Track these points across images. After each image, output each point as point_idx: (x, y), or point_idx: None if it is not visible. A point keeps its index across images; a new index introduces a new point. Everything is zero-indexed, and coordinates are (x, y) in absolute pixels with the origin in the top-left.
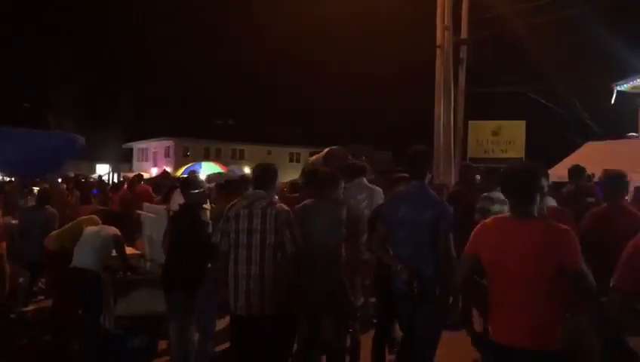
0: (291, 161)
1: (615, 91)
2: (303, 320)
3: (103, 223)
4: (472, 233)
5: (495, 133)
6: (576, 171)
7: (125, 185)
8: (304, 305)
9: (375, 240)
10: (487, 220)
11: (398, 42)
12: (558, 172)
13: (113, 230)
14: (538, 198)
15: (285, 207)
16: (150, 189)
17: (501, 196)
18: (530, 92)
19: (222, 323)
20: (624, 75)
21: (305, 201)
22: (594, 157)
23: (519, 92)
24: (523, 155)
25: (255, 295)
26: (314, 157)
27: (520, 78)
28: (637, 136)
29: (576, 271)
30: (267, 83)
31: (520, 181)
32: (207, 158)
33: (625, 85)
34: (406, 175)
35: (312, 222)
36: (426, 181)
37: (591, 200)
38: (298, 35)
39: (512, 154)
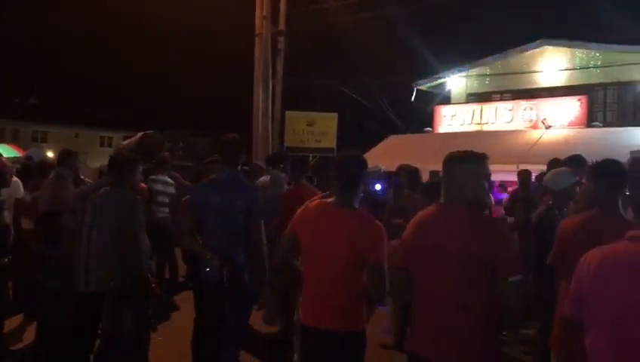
0: (102, 145)
1: (415, 90)
2: (106, 310)
3: None
4: (296, 213)
5: (310, 124)
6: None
7: None
8: (106, 294)
9: (183, 228)
10: (310, 202)
11: (218, 27)
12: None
13: None
14: (359, 188)
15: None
16: None
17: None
18: (342, 85)
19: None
20: (424, 75)
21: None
22: (395, 148)
23: (332, 84)
24: (335, 146)
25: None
26: (127, 141)
27: (333, 72)
28: (432, 131)
29: (376, 264)
30: (76, 58)
31: (344, 170)
32: (1, 141)
33: (424, 84)
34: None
35: (107, 209)
36: (239, 168)
37: None
38: (113, 13)
39: (325, 144)
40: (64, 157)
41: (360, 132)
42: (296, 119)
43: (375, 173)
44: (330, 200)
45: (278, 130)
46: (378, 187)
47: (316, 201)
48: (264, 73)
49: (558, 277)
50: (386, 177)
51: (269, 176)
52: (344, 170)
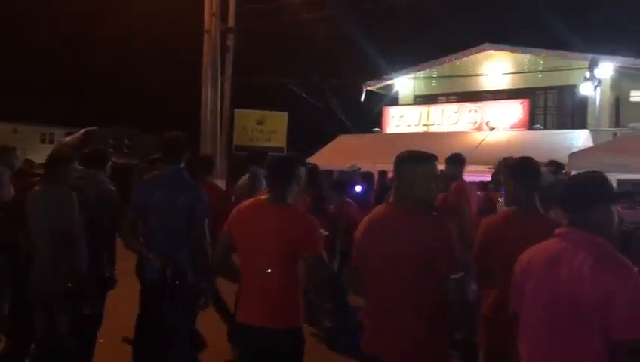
0: (43, 141)
1: (364, 90)
2: (39, 313)
3: None
4: (232, 212)
5: (260, 123)
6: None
7: None
8: (36, 295)
9: (123, 228)
10: (246, 201)
11: (167, 24)
12: (314, 161)
13: None
14: (294, 185)
15: None
16: None
17: None
18: (292, 84)
19: None
20: (373, 76)
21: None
22: (344, 148)
23: (283, 83)
24: (285, 145)
25: None
26: (69, 137)
27: (284, 71)
28: (380, 131)
29: (314, 256)
30: (17, 51)
31: (278, 168)
32: None
33: (373, 85)
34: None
35: (38, 206)
36: (182, 165)
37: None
38: (59, 7)
39: (275, 143)
40: (0, 153)
41: (311, 131)
42: (246, 117)
43: (355, 174)
44: (262, 197)
45: (227, 129)
46: (358, 188)
47: (250, 200)
48: (213, 70)
49: (482, 275)
50: (367, 177)
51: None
52: (276, 168)
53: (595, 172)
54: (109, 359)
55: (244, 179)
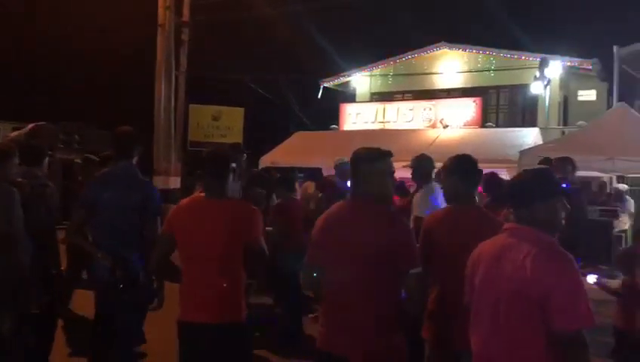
0: None
1: (322, 87)
2: None
3: None
4: (169, 213)
5: (215, 118)
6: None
7: None
8: None
9: (72, 226)
10: (185, 199)
11: (119, 16)
12: (272, 158)
13: None
14: (230, 179)
15: None
16: None
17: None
18: (249, 80)
19: None
20: (330, 72)
21: None
22: (300, 145)
23: (239, 79)
24: (241, 141)
25: None
26: (15, 133)
27: (241, 66)
28: (337, 128)
29: (254, 240)
30: None
31: (214, 164)
32: None
33: (330, 82)
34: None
35: None
36: (134, 161)
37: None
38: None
39: (231, 139)
40: None
41: (267, 128)
42: (201, 113)
43: (341, 168)
44: (201, 195)
45: (182, 124)
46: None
47: (188, 198)
48: (167, 65)
49: (425, 271)
50: None
51: None
52: (212, 164)
53: (542, 168)
54: (64, 357)
55: None
